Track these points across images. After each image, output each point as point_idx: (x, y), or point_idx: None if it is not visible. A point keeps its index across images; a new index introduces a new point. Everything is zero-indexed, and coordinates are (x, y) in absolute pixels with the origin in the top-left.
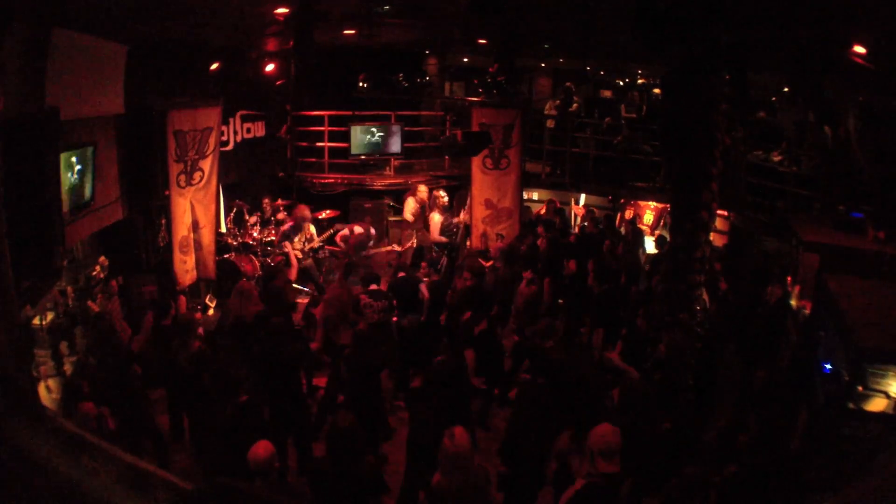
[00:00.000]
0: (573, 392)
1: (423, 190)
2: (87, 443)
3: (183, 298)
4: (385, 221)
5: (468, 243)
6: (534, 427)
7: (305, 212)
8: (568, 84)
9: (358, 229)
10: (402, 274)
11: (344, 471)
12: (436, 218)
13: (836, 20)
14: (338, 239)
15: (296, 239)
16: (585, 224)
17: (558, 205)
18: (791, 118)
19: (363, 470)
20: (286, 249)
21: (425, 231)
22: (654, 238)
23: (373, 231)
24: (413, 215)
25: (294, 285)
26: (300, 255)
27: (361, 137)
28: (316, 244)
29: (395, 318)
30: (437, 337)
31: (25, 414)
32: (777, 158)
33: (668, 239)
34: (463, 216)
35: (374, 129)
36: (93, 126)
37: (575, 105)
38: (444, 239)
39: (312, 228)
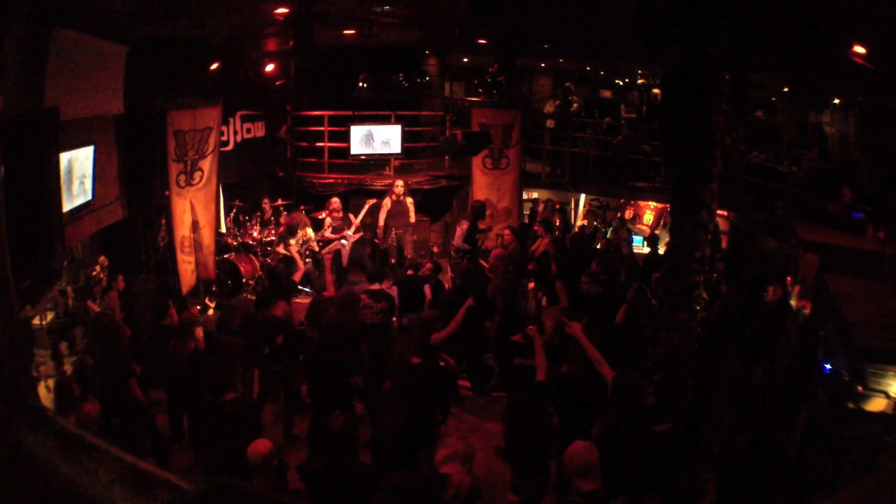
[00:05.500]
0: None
1: (399, 184)
2: (87, 443)
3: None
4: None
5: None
6: (536, 430)
7: (298, 217)
8: (567, 84)
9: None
10: (409, 272)
11: (338, 472)
12: (464, 225)
13: (836, 20)
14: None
15: (291, 242)
16: (584, 224)
17: (557, 205)
18: (791, 118)
19: (357, 471)
20: (282, 252)
21: (405, 226)
22: (646, 237)
23: (353, 218)
24: (384, 221)
25: (299, 286)
26: (297, 257)
27: (361, 137)
28: (314, 246)
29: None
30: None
31: (25, 414)
32: (772, 163)
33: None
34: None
35: (374, 129)
36: (93, 126)
37: (575, 105)
38: (466, 246)
39: (310, 232)
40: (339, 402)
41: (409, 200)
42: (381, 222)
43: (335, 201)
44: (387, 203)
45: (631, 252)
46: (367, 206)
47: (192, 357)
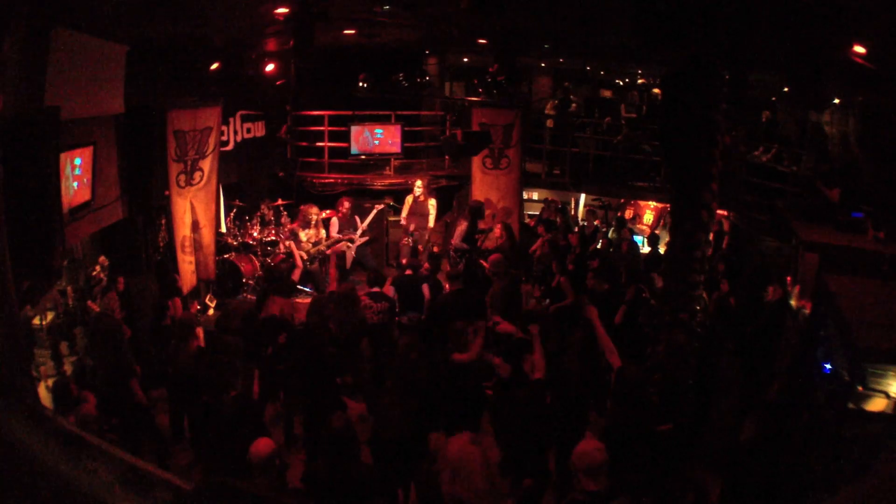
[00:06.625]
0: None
1: (418, 184)
2: (87, 443)
3: (178, 301)
4: (385, 221)
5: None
6: (535, 431)
7: (312, 210)
8: (566, 84)
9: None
10: (408, 272)
11: (339, 473)
12: (462, 224)
13: (835, 20)
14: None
15: (303, 239)
16: (585, 224)
17: (559, 204)
18: (791, 118)
19: (359, 471)
20: (291, 248)
21: (421, 229)
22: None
23: (357, 218)
24: (405, 218)
25: (298, 286)
26: (305, 256)
27: (362, 137)
28: (323, 247)
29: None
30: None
31: (25, 414)
32: (765, 158)
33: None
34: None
35: (374, 130)
36: (93, 126)
37: (574, 105)
38: (465, 246)
39: (322, 231)
40: (330, 402)
41: (432, 203)
42: (403, 220)
43: (346, 204)
44: (409, 200)
45: (632, 252)
46: (374, 212)
47: (194, 357)
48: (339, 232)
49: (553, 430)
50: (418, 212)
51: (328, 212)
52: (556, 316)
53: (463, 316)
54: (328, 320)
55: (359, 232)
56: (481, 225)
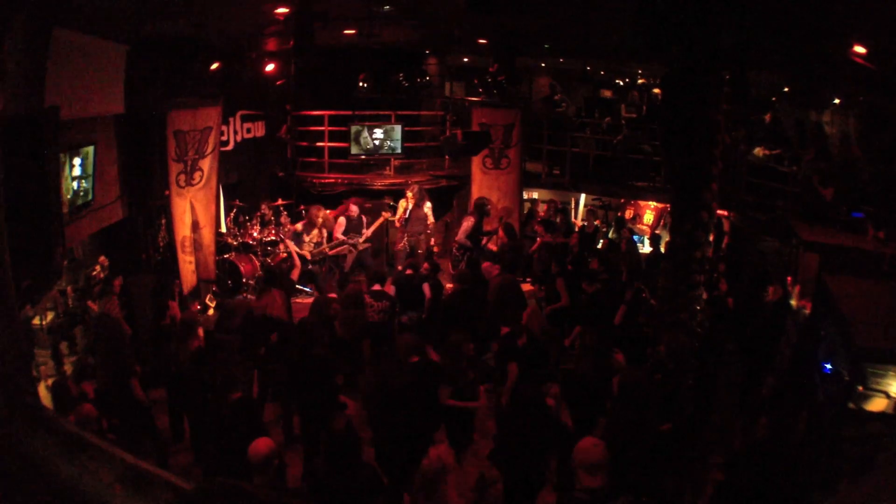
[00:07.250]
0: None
1: (409, 195)
2: (87, 443)
3: (174, 304)
4: (385, 223)
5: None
6: (532, 430)
7: (320, 213)
8: (552, 82)
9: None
10: (409, 271)
11: (341, 474)
12: (469, 220)
13: (835, 20)
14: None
15: (306, 239)
16: (585, 224)
17: (559, 204)
18: (791, 118)
19: (360, 472)
20: (290, 248)
21: (418, 234)
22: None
23: (364, 220)
24: (399, 219)
25: (297, 286)
26: (308, 256)
27: (362, 137)
28: (325, 249)
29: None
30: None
31: (25, 414)
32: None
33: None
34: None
35: (374, 129)
36: (93, 126)
37: (564, 105)
38: (468, 243)
39: (325, 232)
40: (326, 402)
41: (428, 206)
42: (398, 223)
43: (354, 208)
44: (402, 204)
45: (632, 250)
46: (380, 220)
47: (195, 357)
48: (344, 233)
49: (560, 434)
50: (415, 217)
51: (328, 211)
52: (553, 317)
53: (465, 320)
54: (331, 321)
55: (363, 237)
56: (487, 227)
